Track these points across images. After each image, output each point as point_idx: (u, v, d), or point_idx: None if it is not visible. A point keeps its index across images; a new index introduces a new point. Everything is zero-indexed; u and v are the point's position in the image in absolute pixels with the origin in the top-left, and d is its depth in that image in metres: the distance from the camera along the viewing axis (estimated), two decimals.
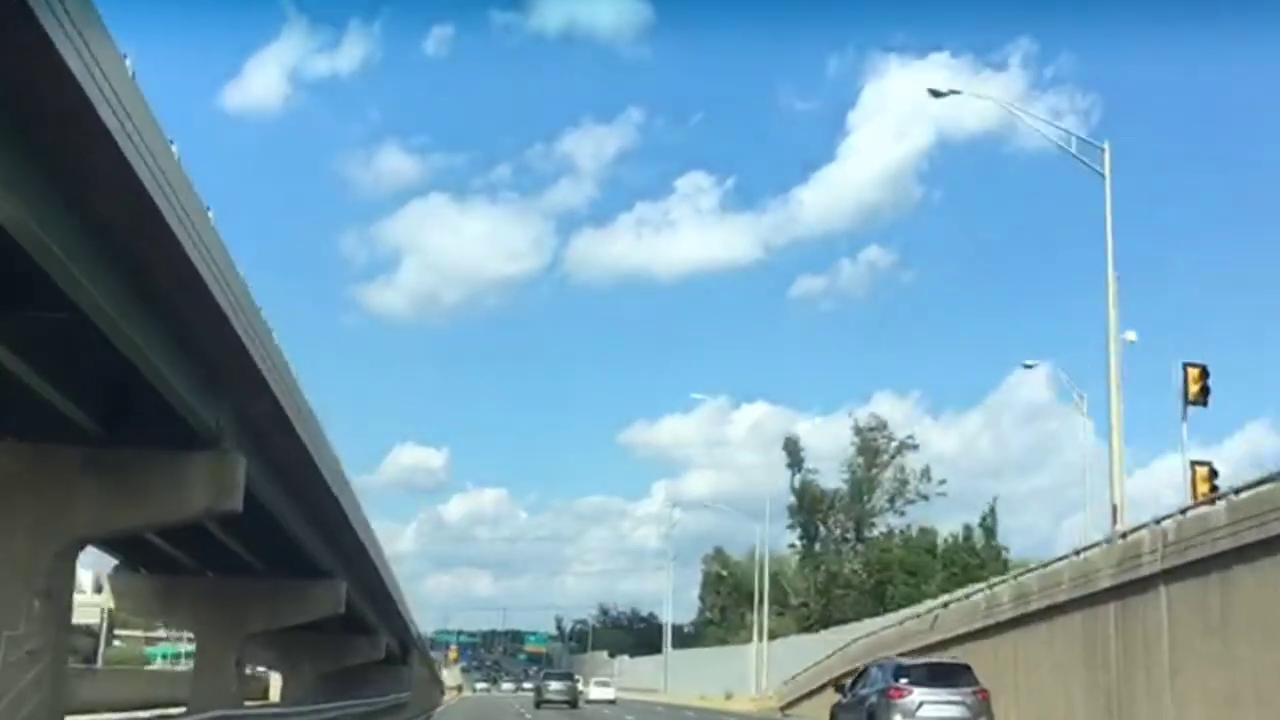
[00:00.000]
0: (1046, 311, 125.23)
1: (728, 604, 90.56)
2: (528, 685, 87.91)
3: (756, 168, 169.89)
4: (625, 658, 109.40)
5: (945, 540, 66.10)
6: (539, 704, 48.43)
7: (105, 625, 60.00)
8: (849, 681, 21.56)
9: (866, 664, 22.09)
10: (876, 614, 52.11)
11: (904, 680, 19.18)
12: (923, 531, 68.27)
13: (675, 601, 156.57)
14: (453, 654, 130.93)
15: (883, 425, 73.96)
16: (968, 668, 20.36)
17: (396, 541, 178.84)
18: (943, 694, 18.93)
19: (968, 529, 59.26)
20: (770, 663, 60.17)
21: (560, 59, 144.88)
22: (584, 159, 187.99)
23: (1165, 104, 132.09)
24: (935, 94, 29.56)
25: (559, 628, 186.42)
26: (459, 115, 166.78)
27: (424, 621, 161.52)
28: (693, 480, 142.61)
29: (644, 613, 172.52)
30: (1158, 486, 77.55)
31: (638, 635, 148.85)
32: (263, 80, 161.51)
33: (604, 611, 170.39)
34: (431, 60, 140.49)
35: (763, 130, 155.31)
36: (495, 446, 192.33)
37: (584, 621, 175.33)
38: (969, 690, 19.25)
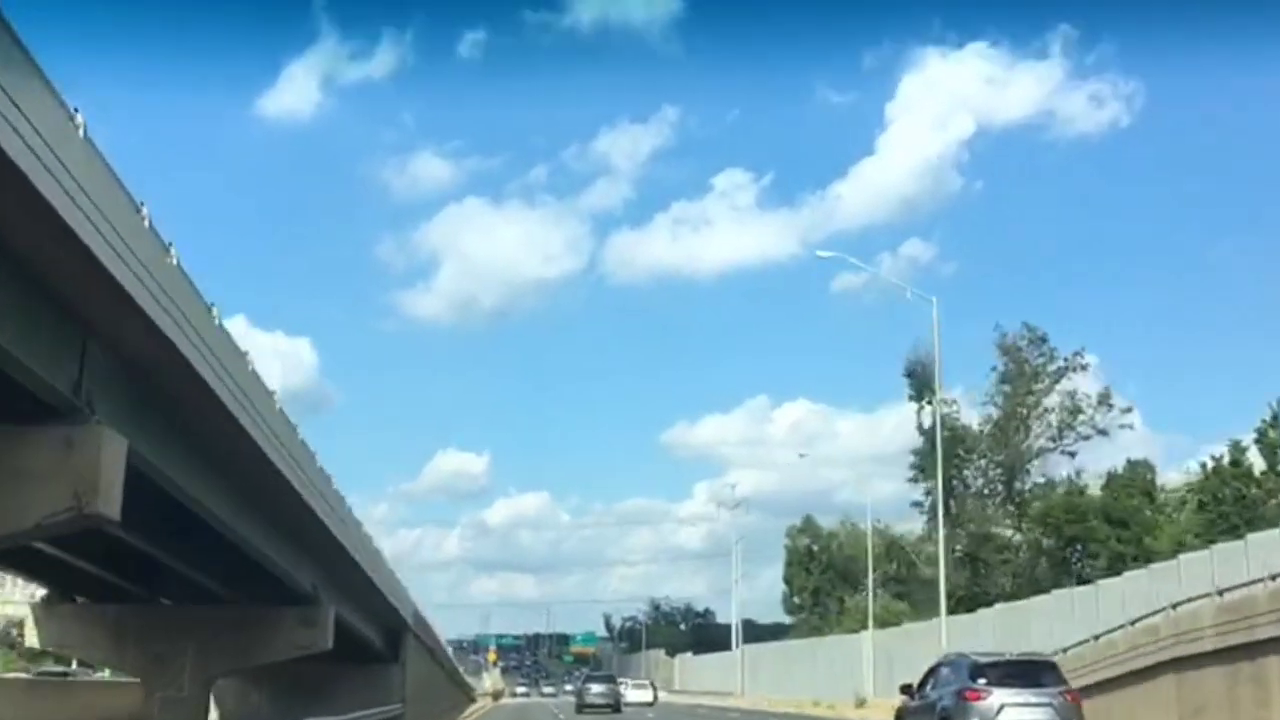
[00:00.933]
0: (1087, 300, 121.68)
1: (821, 585, 73.55)
2: (569, 689, 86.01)
3: (794, 163, 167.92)
4: (688, 655, 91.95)
5: (1195, 469, 46.49)
6: (580, 708, 46.78)
7: None
8: (917, 682, 19.19)
9: (937, 662, 19.34)
10: (1058, 586, 39.99)
11: (981, 680, 17.23)
12: (1132, 467, 50.39)
13: (725, 600, 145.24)
14: (492, 656, 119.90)
15: (1041, 338, 56.96)
16: (1053, 665, 18.51)
17: (440, 547, 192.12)
18: (1027, 695, 16.96)
19: (1237, 447, 40.64)
20: (892, 657, 44.60)
21: (594, 57, 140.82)
22: (620, 159, 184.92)
23: (1210, 89, 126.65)
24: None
25: (608, 626, 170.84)
26: (493, 118, 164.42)
27: (466, 625, 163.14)
28: (733, 479, 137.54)
29: (699, 608, 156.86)
30: None
31: (696, 633, 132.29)
32: (297, 88, 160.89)
33: (655, 607, 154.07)
34: (465, 63, 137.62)
35: (799, 125, 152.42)
36: (536, 450, 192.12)
37: (634, 619, 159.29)
38: (1056, 691, 17.21)
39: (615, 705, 47.61)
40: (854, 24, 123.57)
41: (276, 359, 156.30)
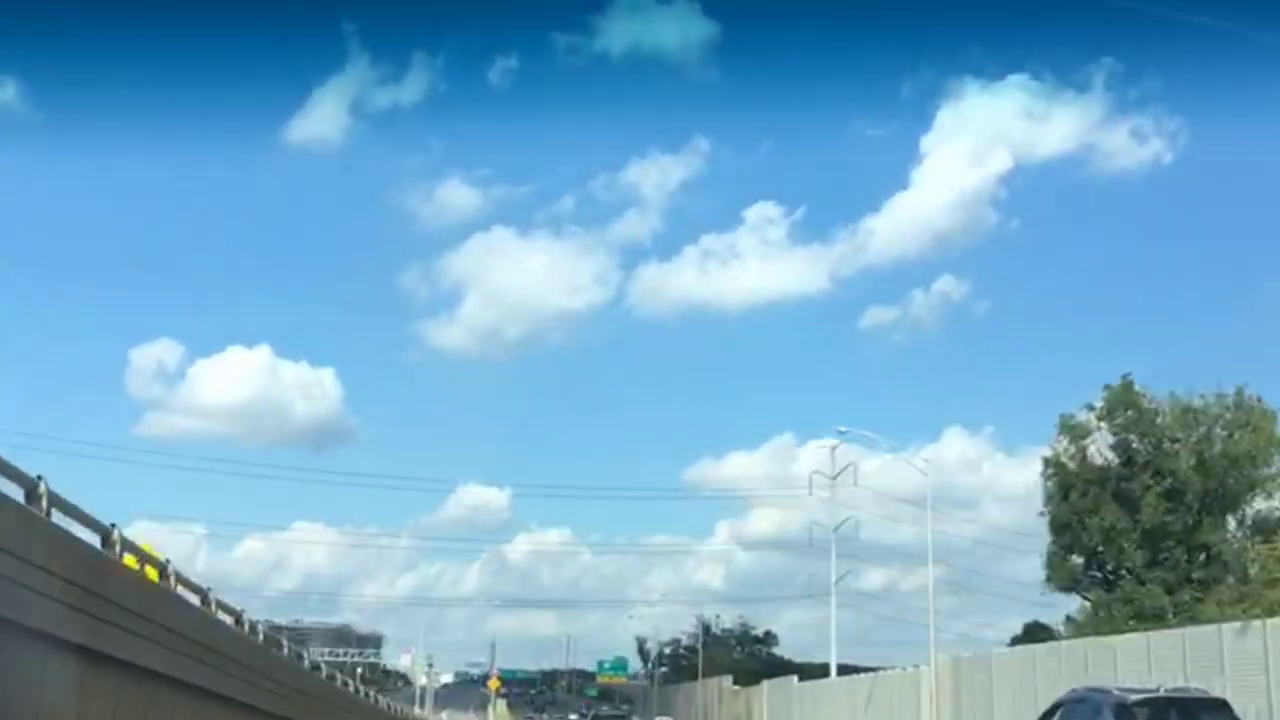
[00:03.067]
0: (1122, 343, 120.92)
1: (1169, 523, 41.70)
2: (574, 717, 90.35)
3: (826, 196, 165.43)
4: (792, 681, 61.29)
5: None
6: None
7: None
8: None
9: (1064, 698, 16.19)
10: None
11: None
12: None
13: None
14: (494, 683, 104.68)
15: None
16: (1225, 705, 15.20)
17: (459, 583, 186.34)
18: None
19: None
20: None
21: (626, 85, 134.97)
22: (649, 190, 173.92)
23: (1256, 128, 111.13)
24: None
25: (641, 652, 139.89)
26: (522, 146, 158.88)
27: (482, 658, 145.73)
28: (757, 518, 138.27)
29: (756, 631, 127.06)
30: None
31: (764, 663, 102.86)
32: (325, 114, 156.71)
33: (705, 628, 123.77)
34: (495, 90, 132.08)
35: (833, 157, 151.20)
36: (559, 485, 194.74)
37: (676, 642, 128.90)
38: None
39: None
40: (893, 52, 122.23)
41: (300, 390, 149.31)
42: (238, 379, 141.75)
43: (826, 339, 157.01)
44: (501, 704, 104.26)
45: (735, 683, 79.43)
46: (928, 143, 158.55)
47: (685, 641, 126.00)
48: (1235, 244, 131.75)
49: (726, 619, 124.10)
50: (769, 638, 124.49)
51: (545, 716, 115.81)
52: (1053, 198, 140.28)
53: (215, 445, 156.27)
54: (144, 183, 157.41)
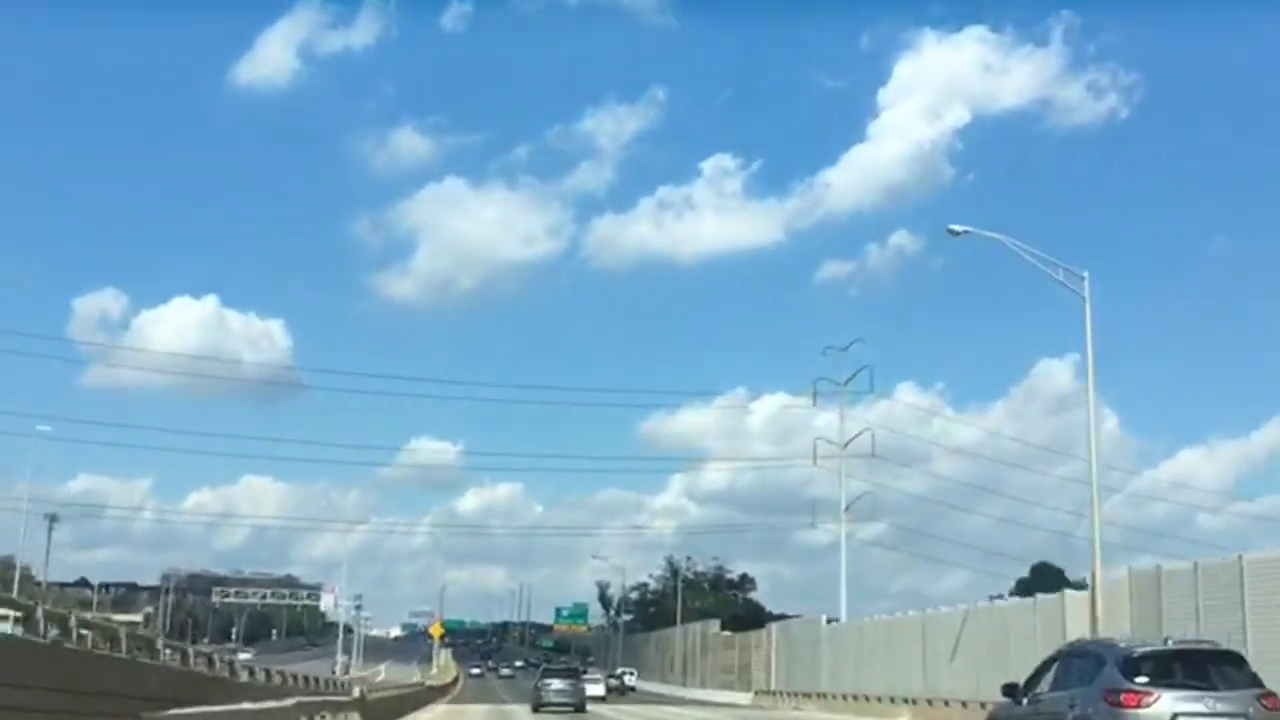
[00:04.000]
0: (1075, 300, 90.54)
1: None
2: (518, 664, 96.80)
3: (783, 149, 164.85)
4: (817, 623, 48.88)
5: None
6: (536, 708, 39.27)
7: None
8: (1024, 680, 14.01)
9: (1062, 650, 14.11)
10: None
11: (1140, 679, 12.14)
12: None
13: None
14: (436, 629, 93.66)
15: None
16: (1240, 658, 13.12)
17: (410, 537, 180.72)
18: (1209, 701, 11.94)
19: None
20: None
21: (582, 30, 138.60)
22: (604, 140, 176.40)
23: (1213, 80, 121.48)
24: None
25: (603, 598, 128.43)
26: (476, 94, 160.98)
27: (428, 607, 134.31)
28: (709, 473, 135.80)
29: (731, 575, 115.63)
30: None
31: (746, 609, 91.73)
32: (273, 56, 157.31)
33: (674, 572, 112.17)
34: (449, 36, 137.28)
35: (791, 109, 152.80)
36: (511, 439, 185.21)
37: (644, 586, 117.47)
38: (1250, 694, 12.21)
39: (579, 705, 39.84)
40: (853, 3, 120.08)
41: (248, 341, 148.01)
42: (184, 330, 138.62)
43: (782, 293, 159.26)
44: (446, 654, 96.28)
45: (723, 629, 67.86)
46: (885, 95, 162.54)
47: (653, 586, 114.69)
48: (1189, 200, 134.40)
49: (699, 562, 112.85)
50: (745, 582, 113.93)
51: (489, 663, 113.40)
52: (1009, 152, 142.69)
53: (162, 397, 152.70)
54: (84, 126, 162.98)
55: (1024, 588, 79.03)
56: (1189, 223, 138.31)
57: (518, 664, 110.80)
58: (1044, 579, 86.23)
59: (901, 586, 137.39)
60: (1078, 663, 13.29)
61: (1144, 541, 75.36)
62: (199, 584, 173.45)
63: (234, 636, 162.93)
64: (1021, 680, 14.02)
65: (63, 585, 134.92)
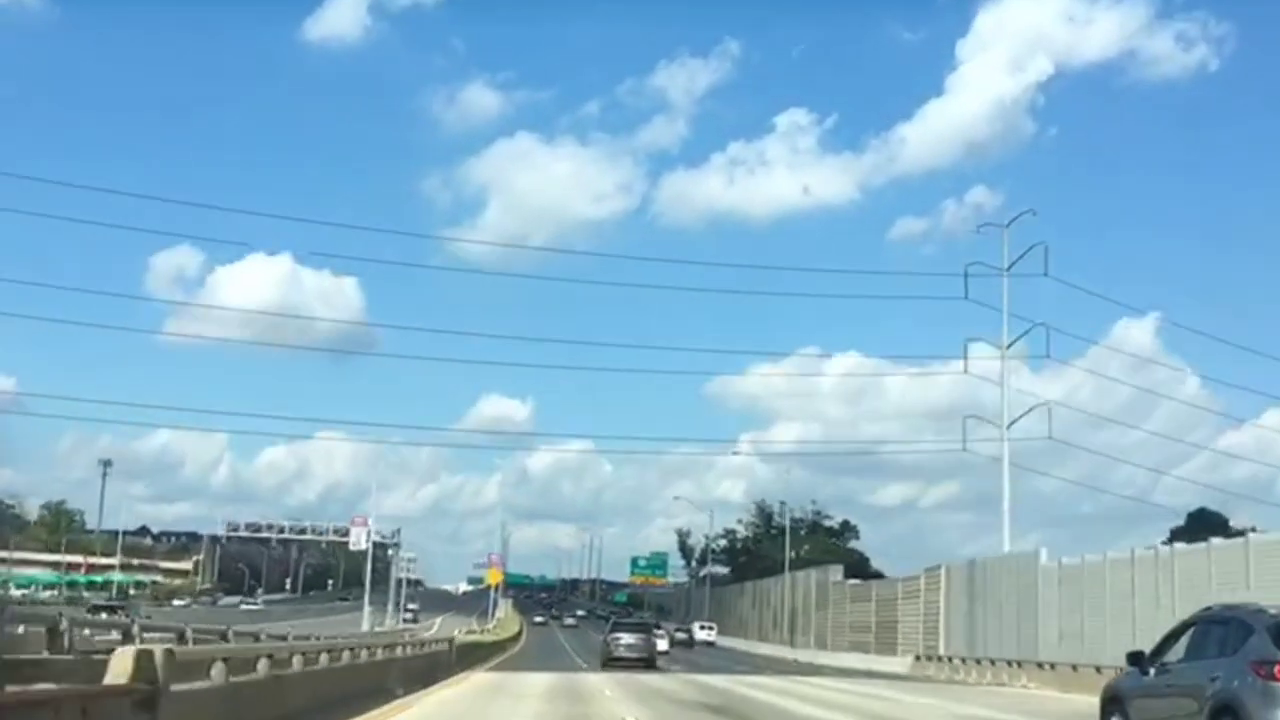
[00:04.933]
0: (1160, 255, 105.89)
1: None
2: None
3: (858, 103, 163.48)
4: (1034, 558, 33.90)
5: None
6: (606, 662, 38.61)
7: None
8: (1152, 648, 12.47)
9: (1198, 616, 12.18)
10: None
11: None
12: None
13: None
14: (493, 575, 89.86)
15: None
16: None
17: (480, 494, 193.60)
18: None
19: None
20: None
21: None
22: (677, 95, 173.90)
23: None
24: None
25: (683, 548, 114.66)
26: (547, 49, 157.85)
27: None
28: (779, 432, 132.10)
29: (831, 522, 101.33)
30: None
31: (848, 558, 77.46)
32: (344, 11, 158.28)
33: (764, 516, 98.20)
34: None
35: (866, 63, 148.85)
36: (581, 397, 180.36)
37: (731, 534, 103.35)
38: None
39: (650, 660, 39.05)
40: None
41: (322, 298, 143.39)
42: (259, 287, 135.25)
43: (855, 249, 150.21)
44: (507, 605, 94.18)
45: (849, 576, 53.99)
46: (964, 48, 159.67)
47: (742, 533, 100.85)
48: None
49: (795, 507, 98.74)
50: (847, 531, 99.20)
51: (553, 612, 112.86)
52: (1093, 106, 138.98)
53: (237, 353, 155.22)
54: (157, 88, 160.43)
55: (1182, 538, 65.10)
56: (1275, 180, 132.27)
57: (579, 613, 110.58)
58: (1204, 528, 72.16)
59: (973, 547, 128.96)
60: (1218, 630, 11.54)
61: None
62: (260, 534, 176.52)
63: (282, 587, 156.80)
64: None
65: (121, 534, 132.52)
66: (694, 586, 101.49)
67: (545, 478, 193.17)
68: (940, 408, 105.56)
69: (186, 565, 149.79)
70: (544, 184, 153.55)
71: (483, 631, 61.92)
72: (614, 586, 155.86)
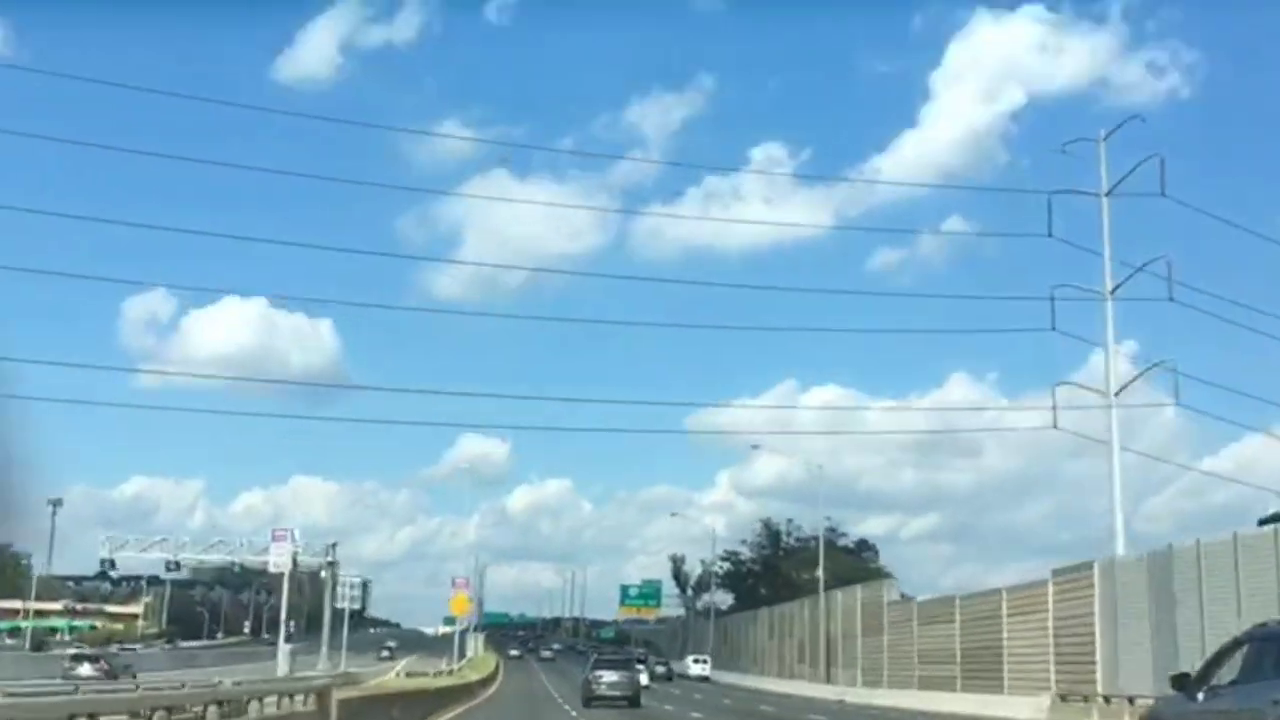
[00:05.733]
0: (1140, 284, 66.61)
1: None
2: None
3: (833, 135, 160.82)
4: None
5: None
6: (588, 701, 36.66)
7: None
8: (1200, 667, 11.65)
9: (1254, 633, 11.16)
10: None
11: None
12: None
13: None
14: (457, 604, 69.58)
15: None
16: None
17: (458, 535, 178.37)
18: None
19: None
20: None
21: (627, 18, 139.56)
22: (651, 130, 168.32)
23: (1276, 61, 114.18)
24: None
25: (678, 575, 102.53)
26: (521, 85, 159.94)
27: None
28: (758, 467, 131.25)
29: (846, 540, 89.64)
30: None
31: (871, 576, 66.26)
32: (315, 51, 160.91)
33: (772, 535, 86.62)
34: (492, 27, 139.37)
35: (841, 95, 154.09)
36: (559, 436, 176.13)
37: (733, 555, 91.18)
38: None
39: (634, 698, 37.35)
40: None
41: (297, 341, 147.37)
42: (234, 330, 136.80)
43: (832, 282, 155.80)
44: (478, 638, 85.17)
45: (905, 597, 42.79)
46: (937, 79, 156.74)
47: (746, 555, 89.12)
48: (1254, 181, 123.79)
49: (804, 524, 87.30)
50: (864, 549, 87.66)
51: (529, 645, 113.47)
52: (1064, 135, 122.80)
53: (211, 398, 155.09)
54: (127, 126, 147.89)
55: None
56: (1254, 204, 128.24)
57: (555, 646, 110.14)
58: None
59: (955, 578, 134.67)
60: (1276, 648, 10.51)
61: None
62: (229, 577, 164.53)
63: (241, 629, 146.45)
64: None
65: (77, 579, 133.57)
66: (693, 617, 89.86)
67: (524, 518, 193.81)
68: (921, 439, 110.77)
69: (136, 609, 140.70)
70: (519, 220, 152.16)
71: (449, 673, 50.35)
72: (598, 624, 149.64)
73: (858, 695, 43.30)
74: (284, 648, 51.20)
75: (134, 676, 40.27)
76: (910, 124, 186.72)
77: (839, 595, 50.41)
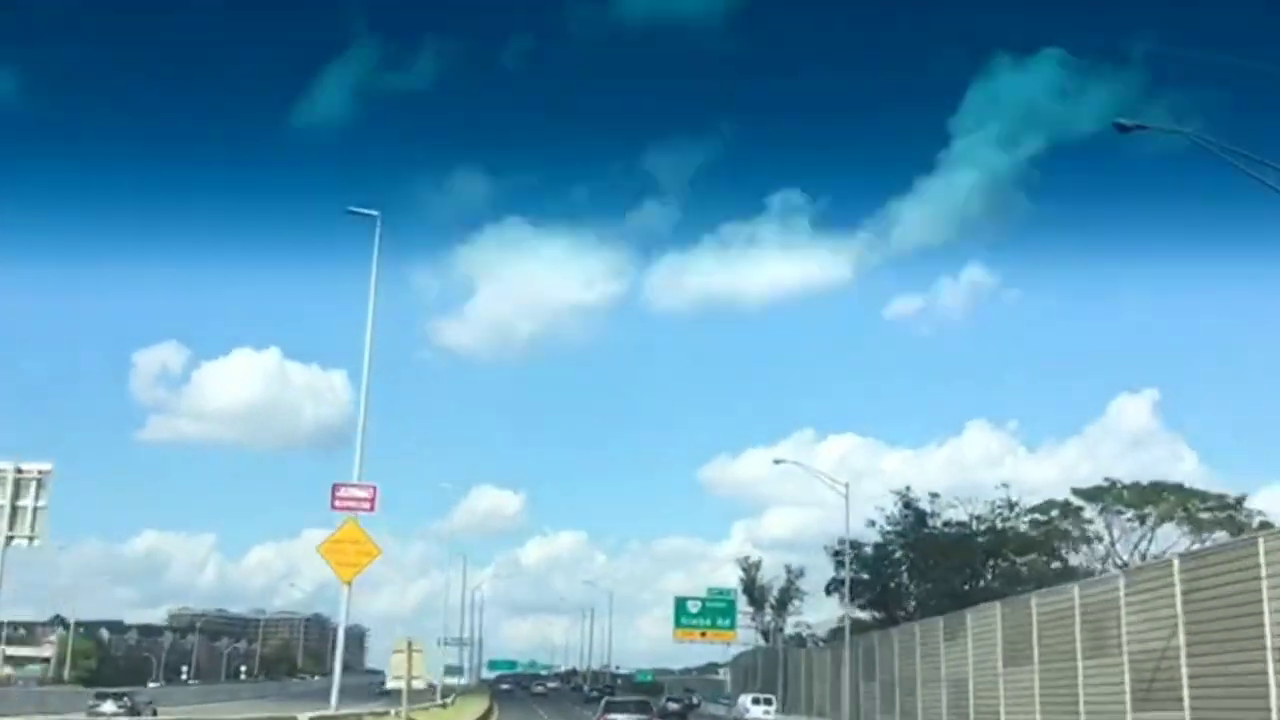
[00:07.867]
0: (1158, 332, 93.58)
1: None
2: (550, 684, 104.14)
3: (850, 182, 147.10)
4: None
5: None
6: None
7: None
8: None
9: None
10: None
11: None
12: None
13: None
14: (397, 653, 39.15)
15: None
16: None
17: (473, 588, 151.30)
18: None
19: None
20: None
21: (644, 65, 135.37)
22: (667, 176, 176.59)
23: None
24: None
25: (750, 590, 73.11)
26: (536, 132, 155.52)
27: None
28: (773, 519, 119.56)
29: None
30: None
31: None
32: (329, 98, 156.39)
33: (920, 516, 58.15)
34: (508, 74, 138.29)
35: (859, 141, 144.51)
36: (573, 487, 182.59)
37: (857, 546, 61.17)
38: None
39: None
40: (921, 29, 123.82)
41: (310, 393, 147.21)
42: (246, 382, 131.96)
43: (850, 331, 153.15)
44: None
45: None
46: (955, 124, 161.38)
47: (873, 543, 59.73)
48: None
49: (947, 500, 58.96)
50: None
51: (534, 688, 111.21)
52: (1087, 180, 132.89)
53: (223, 451, 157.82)
54: (142, 177, 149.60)
55: None
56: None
57: (551, 684, 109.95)
58: None
59: None
60: None
61: None
62: (211, 625, 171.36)
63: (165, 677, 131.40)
64: None
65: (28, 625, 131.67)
66: (790, 645, 61.06)
67: (538, 570, 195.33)
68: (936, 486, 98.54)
69: (44, 651, 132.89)
70: (533, 270, 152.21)
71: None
72: (624, 678, 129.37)
73: None
74: (336, 684, 31.01)
75: (154, 714, 45.31)
76: (928, 170, 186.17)
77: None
